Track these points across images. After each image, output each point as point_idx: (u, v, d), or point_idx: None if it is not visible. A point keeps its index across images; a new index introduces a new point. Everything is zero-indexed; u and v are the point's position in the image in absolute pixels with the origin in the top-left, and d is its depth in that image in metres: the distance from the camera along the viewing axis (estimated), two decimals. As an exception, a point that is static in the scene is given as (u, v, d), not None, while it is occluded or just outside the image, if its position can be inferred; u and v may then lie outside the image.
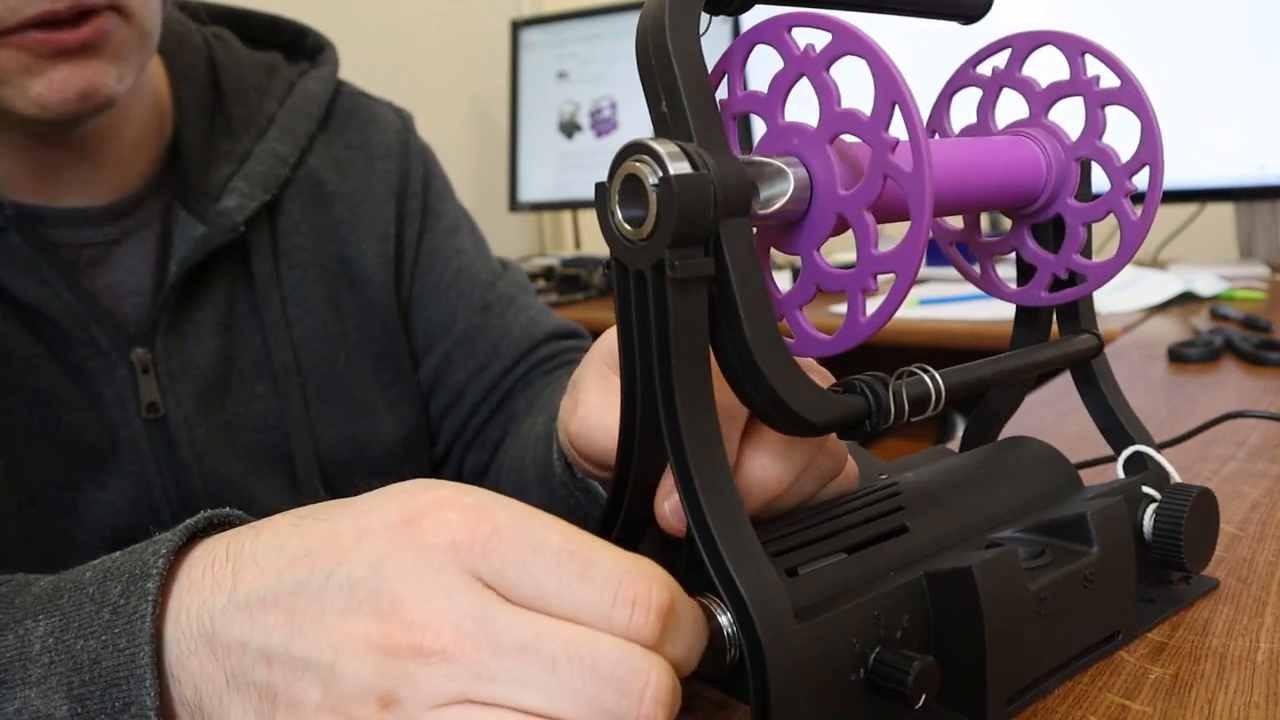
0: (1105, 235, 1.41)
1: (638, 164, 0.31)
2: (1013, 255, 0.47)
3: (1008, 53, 0.46)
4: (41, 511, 0.64)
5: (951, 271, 1.45)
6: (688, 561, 0.36)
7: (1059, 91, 0.45)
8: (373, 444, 0.77)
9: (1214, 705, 0.37)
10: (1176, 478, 0.46)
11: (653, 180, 0.31)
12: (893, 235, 0.32)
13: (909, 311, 1.30)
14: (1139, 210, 0.43)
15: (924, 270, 1.50)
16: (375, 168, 0.80)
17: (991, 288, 0.47)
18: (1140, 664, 0.40)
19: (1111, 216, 0.44)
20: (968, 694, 0.35)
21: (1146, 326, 1.13)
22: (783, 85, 0.35)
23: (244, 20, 0.81)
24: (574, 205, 2.07)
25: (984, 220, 0.50)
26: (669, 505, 0.36)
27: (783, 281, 0.35)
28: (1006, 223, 0.47)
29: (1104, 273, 0.44)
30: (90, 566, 0.35)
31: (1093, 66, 0.44)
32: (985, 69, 0.47)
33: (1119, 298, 1.25)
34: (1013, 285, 0.47)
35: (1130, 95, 0.43)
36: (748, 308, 0.32)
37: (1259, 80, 1.35)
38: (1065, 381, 0.71)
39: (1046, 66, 0.46)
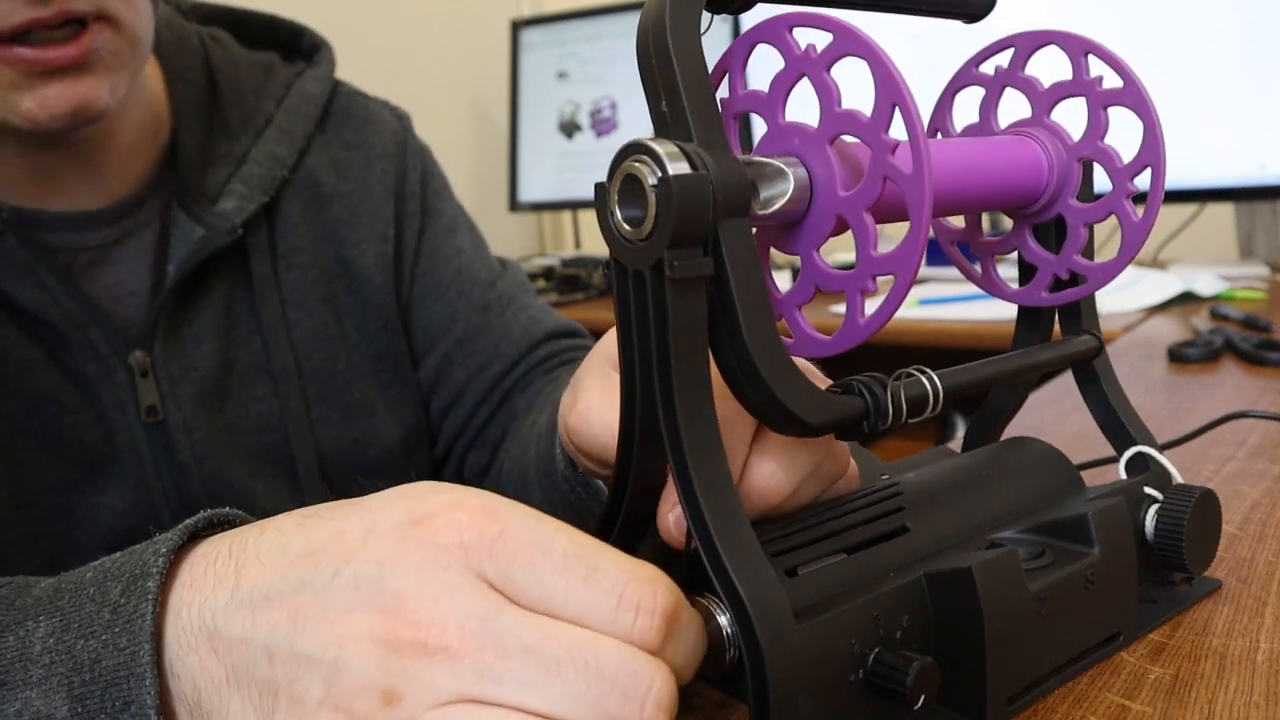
0: (1106, 235, 1.41)
1: (637, 164, 0.31)
2: (1014, 255, 0.47)
3: (1010, 52, 0.46)
4: (41, 515, 0.64)
5: (951, 271, 1.45)
6: (689, 563, 0.36)
7: (1061, 91, 0.45)
8: (373, 445, 0.76)
9: (1214, 705, 0.37)
10: (1178, 478, 0.46)
11: (652, 180, 0.31)
12: (892, 236, 0.32)
13: (909, 311, 1.30)
14: (1140, 211, 0.43)
15: (924, 270, 1.50)
16: (373, 168, 0.80)
17: (993, 288, 0.47)
18: (1140, 664, 0.40)
19: (1112, 217, 0.44)
20: (967, 694, 0.35)
21: (1146, 326, 1.13)
22: (783, 85, 0.35)
23: (242, 20, 0.81)
24: (574, 205, 2.07)
25: (985, 220, 0.50)
26: (673, 517, 0.36)
27: (782, 281, 0.35)
28: (1007, 222, 0.47)
29: (1105, 273, 0.44)
30: (91, 567, 0.35)
31: (1095, 67, 0.44)
32: (988, 68, 0.47)
33: (1119, 298, 1.25)
34: (1014, 285, 0.47)
35: (1133, 96, 0.43)
36: (746, 309, 0.32)
37: (1259, 80, 1.35)
38: (1066, 381, 0.71)
39: (1049, 66, 0.46)
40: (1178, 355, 0.91)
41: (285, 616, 0.30)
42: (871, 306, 0.34)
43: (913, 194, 0.32)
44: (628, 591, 0.29)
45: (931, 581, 0.36)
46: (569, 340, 0.84)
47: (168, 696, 0.32)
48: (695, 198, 0.31)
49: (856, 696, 0.33)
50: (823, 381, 0.38)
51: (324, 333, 0.75)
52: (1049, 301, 0.46)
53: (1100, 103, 0.44)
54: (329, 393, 0.75)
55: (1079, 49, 0.45)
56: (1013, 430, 0.50)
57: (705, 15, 0.34)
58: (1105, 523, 0.40)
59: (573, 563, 0.30)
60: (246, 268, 0.72)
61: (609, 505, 0.38)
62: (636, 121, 1.98)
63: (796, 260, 0.36)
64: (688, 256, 0.31)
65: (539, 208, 2.10)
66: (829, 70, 0.34)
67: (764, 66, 0.36)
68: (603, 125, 2.00)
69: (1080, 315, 0.47)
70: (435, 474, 0.83)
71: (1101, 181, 0.44)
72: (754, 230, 0.33)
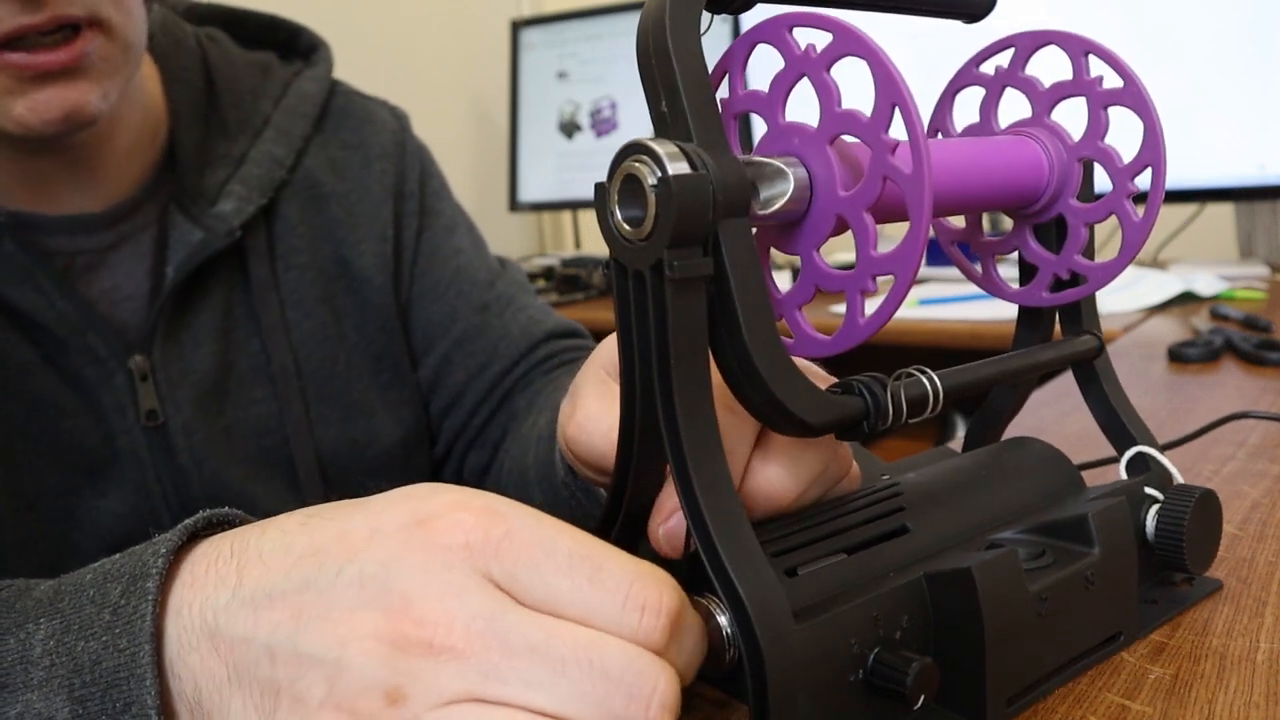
0: (1106, 235, 1.41)
1: (637, 164, 0.31)
2: (1014, 255, 0.47)
3: (1010, 52, 0.46)
4: (40, 518, 0.64)
5: (952, 271, 1.45)
6: (689, 563, 0.36)
7: (1062, 91, 0.45)
8: (373, 445, 0.76)
9: (1214, 705, 0.37)
10: (1179, 479, 0.46)
11: (651, 180, 0.31)
12: (892, 236, 0.32)
13: (909, 311, 1.30)
14: (1141, 211, 0.43)
15: (924, 270, 1.50)
16: (372, 168, 0.80)
17: (993, 287, 0.47)
18: (1140, 664, 0.40)
19: (1113, 217, 0.44)
20: (967, 695, 0.35)
21: (1146, 326, 1.13)
22: (783, 85, 0.35)
23: (239, 20, 0.80)
24: (574, 205, 2.07)
25: (985, 220, 0.50)
26: (663, 531, 0.36)
27: (782, 281, 0.35)
28: (1007, 222, 0.47)
29: (1105, 273, 0.44)
30: (91, 569, 0.35)
31: (1095, 67, 0.44)
32: (988, 68, 0.47)
33: (1119, 298, 1.25)
34: (1014, 285, 0.47)
35: (1133, 96, 0.43)
36: (746, 309, 0.32)
37: (1259, 80, 1.35)
38: (1066, 381, 0.71)
39: (1049, 66, 0.46)
40: (1178, 355, 0.91)
41: (288, 616, 0.30)
42: (871, 306, 0.34)
43: (913, 194, 0.32)
44: (633, 591, 0.29)
45: (931, 582, 0.36)
46: (569, 340, 0.83)
47: (169, 696, 0.32)
48: (695, 198, 0.31)
49: (856, 697, 0.33)
50: (827, 381, 0.38)
51: (323, 333, 0.75)
52: (1049, 301, 0.46)
53: (1100, 103, 0.44)
54: (328, 394, 0.74)
55: (1079, 49, 0.44)
56: (1013, 430, 0.50)
57: (705, 15, 0.34)
58: (1106, 523, 0.40)
59: (578, 563, 0.30)
60: (245, 269, 0.71)
61: (608, 506, 0.38)
62: (636, 121, 1.98)
63: (796, 260, 0.36)
64: (688, 256, 0.31)
65: (539, 208, 2.10)
66: (829, 70, 0.34)
67: (764, 66, 0.36)
68: (603, 125, 2.00)
69: (1081, 315, 0.47)
70: (435, 474, 0.83)
71: (1102, 181, 0.44)
72: (754, 230, 0.33)
